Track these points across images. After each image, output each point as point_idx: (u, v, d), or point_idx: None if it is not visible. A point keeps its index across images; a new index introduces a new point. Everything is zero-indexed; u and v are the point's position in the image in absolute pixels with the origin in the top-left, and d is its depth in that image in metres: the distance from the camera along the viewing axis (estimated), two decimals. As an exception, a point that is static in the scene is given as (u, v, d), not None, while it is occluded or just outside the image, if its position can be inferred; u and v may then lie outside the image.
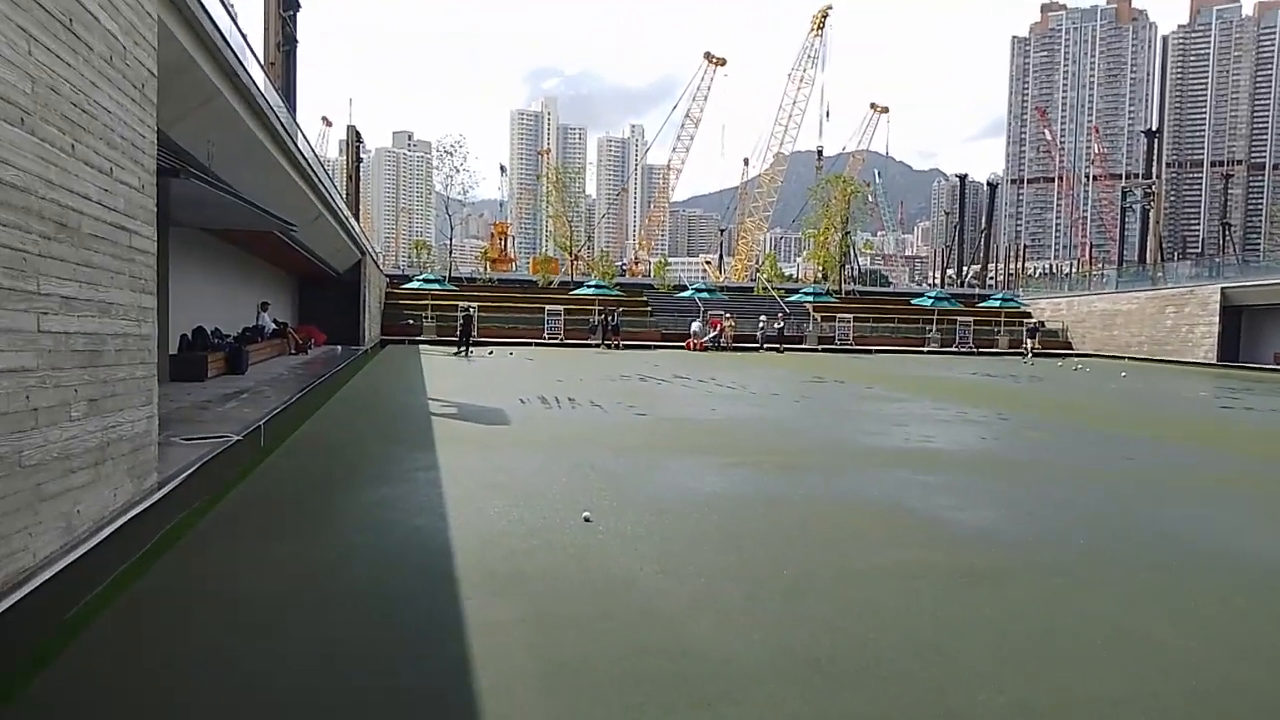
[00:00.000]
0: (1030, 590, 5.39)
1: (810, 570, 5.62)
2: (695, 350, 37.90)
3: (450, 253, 72.73)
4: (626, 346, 38.14)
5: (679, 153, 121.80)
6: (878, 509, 7.55)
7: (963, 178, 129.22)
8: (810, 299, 49.91)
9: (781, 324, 41.48)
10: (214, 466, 7.51)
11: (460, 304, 38.24)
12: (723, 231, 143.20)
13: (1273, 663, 4.31)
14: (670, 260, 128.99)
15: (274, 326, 23.23)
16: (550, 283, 60.27)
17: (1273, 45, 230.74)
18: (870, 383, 22.60)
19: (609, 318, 39.54)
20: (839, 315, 45.82)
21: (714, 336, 39.88)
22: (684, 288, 56.41)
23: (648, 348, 38.62)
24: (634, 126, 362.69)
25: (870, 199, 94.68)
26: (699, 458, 9.98)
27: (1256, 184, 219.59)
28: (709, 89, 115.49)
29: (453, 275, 60.83)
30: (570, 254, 65.88)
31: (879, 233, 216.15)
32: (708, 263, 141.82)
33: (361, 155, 62.54)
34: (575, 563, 5.62)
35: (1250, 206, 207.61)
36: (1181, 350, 39.21)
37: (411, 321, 40.59)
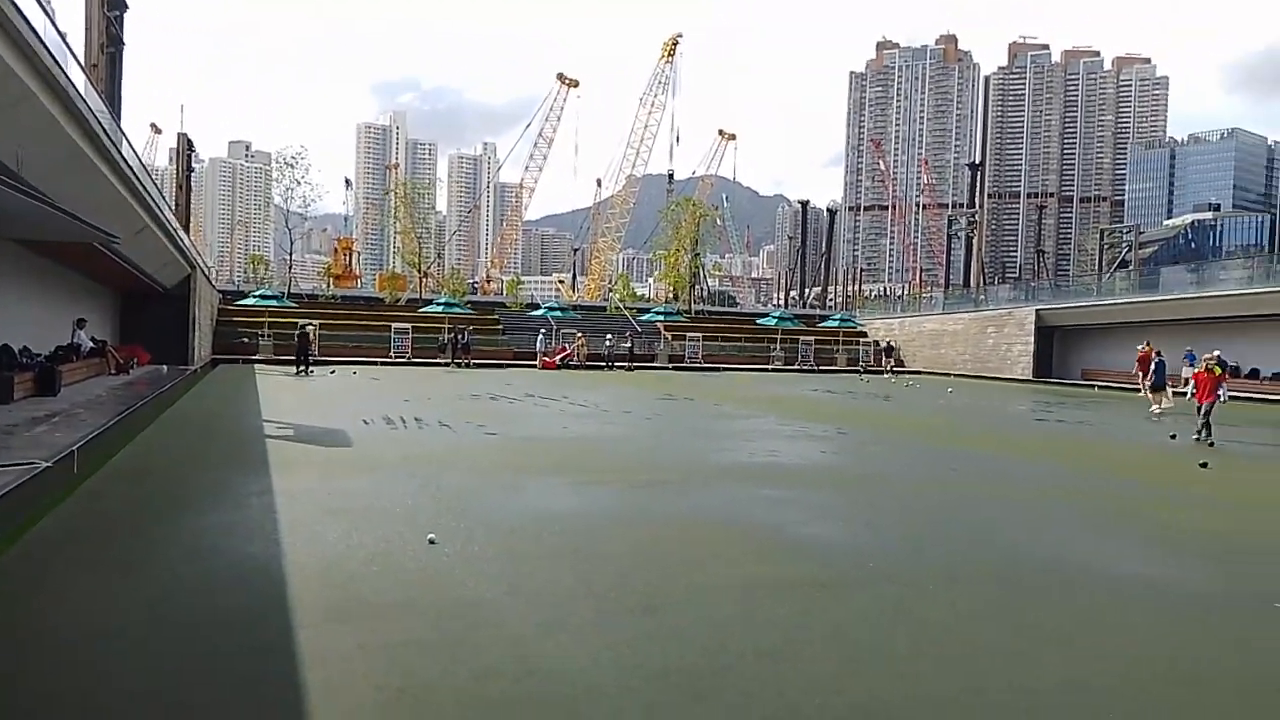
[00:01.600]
0: (869, 598, 5.63)
1: (661, 586, 5.67)
2: (548, 369, 37.76)
3: (290, 268, 69.76)
4: (478, 365, 37.58)
5: (532, 171, 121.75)
6: (727, 524, 7.71)
7: (805, 204, 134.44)
8: (661, 318, 50.67)
9: (630, 343, 41.78)
10: (19, 496, 6.87)
11: (300, 322, 36.67)
12: (576, 251, 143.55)
13: (1098, 661, 4.66)
14: (523, 278, 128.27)
15: (91, 345, 21.57)
16: (398, 300, 58.71)
17: (1077, 90, 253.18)
18: (719, 400, 23.13)
19: (459, 336, 38.85)
20: (689, 334, 46.71)
21: (564, 357, 39.88)
22: (536, 306, 56.17)
23: (500, 366, 38.17)
24: (486, 144, 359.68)
25: (719, 222, 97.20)
26: (551, 477, 9.93)
27: (1066, 215, 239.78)
28: (562, 109, 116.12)
29: (292, 292, 58.35)
30: (419, 271, 64.38)
31: (727, 255, 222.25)
32: (561, 281, 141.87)
33: (194, 165, 59.15)
34: (419, 587, 5.46)
35: (1061, 235, 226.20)
36: (1001, 367, 42.12)
37: (247, 340, 38.59)
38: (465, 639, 4.53)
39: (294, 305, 44.77)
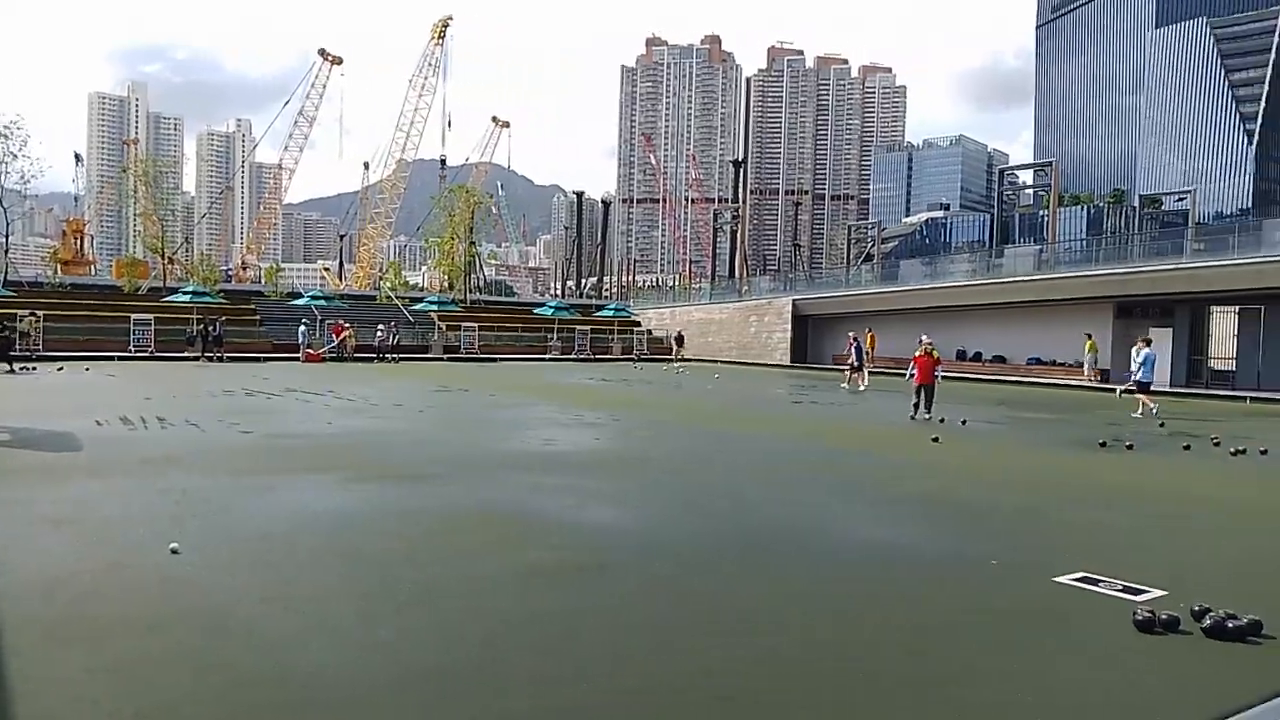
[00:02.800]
0: (641, 578, 5.75)
1: (432, 581, 5.50)
2: (313, 361, 35.83)
3: (6, 253, 61.78)
4: (232, 359, 34.98)
5: (292, 152, 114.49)
6: (501, 514, 7.63)
7: (580, 194, 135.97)
8: (435, 308, 49.53)
9: (395, 333, 40.18)
10: None
11: (10, 312, 32.53)
12: (343, 237, 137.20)
13: (856, 624, 5.00)
14: (284, 266, 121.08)
15: None
16: (138, 289, 53.55)
17: (829, 95, 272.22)
18: (495, 390, 22.91)
19: (210, 327, 35.98)
20: (464, 324, 45.94)
21: (335, 346, 37.96)
22: (299, 295, 53.11)
23: (257, 360, 35.77)
24: (240, 121, 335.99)
25: (494, 210, 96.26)
26: (313, 476, 9.41)
27: (820, 211, 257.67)
28: (324, 87, 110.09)
29: (10, 279, 51.72)
30: (163, 257, 58.96)
31: (503, 244, 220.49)
32: (326, 269, 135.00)
33: (-121, 131, 50.88)
34: (159, 600, 4.97)
35: (815, 230, 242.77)
36: (763, 354, 44.61)
37: (-46, 333, 33.82)
38: (212, 651, 4.18)
39: (12, 294, 39.73)
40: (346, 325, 39.72)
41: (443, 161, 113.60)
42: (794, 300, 44.29)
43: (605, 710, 3.68)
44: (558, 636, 4.54)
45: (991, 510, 8.48)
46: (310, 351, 36.96)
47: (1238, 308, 28.95)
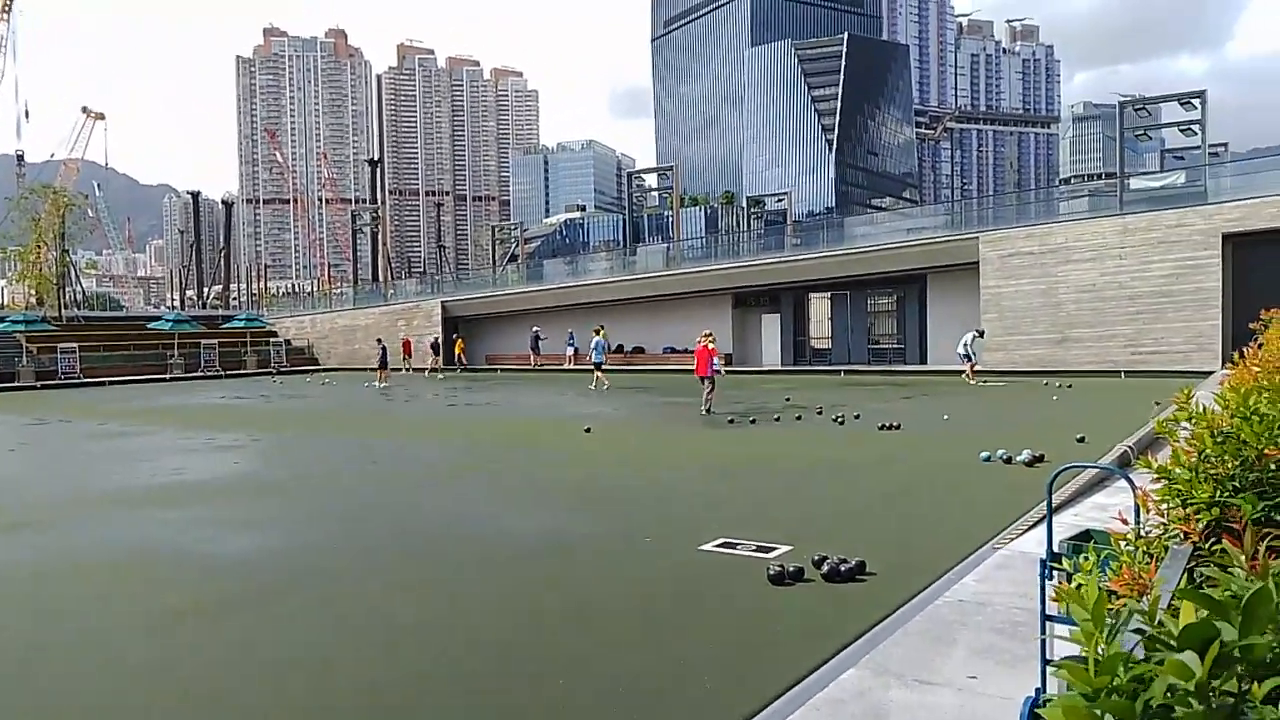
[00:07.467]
0: (293, 604, 5.42)
1: (40, 641, 4.78)
2: None
3: None
4: None
5: None
6: (119, 559, 6.76)
7: (196, 194, 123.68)
8: (22, 328, 42.52)
9: None
10: None
11: None
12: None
13: (518, 614, 5.03)
14: None
15: None
16: None
17: (463, 96, 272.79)
18: (104, 418, 20.18)
19: None
20: (61, 345, 39.91)
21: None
22: None
23: None
24: None
25: (90, 213, 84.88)
26: None
27: (462, 212, 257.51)
28: None
29: None
30: None
31: (104, 252, 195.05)
32: None
33: None
34: None
35: (459, 231, 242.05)
36: (414, 358, 43.67)
37: None
38: None
39: None
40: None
41: (20, 157, 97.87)
42: (443, 302, 43.88)
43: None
44: (199, 681, 4.12)
45: (642, 490, 9.04)
46: None
47: (830, 294, 33.39)
